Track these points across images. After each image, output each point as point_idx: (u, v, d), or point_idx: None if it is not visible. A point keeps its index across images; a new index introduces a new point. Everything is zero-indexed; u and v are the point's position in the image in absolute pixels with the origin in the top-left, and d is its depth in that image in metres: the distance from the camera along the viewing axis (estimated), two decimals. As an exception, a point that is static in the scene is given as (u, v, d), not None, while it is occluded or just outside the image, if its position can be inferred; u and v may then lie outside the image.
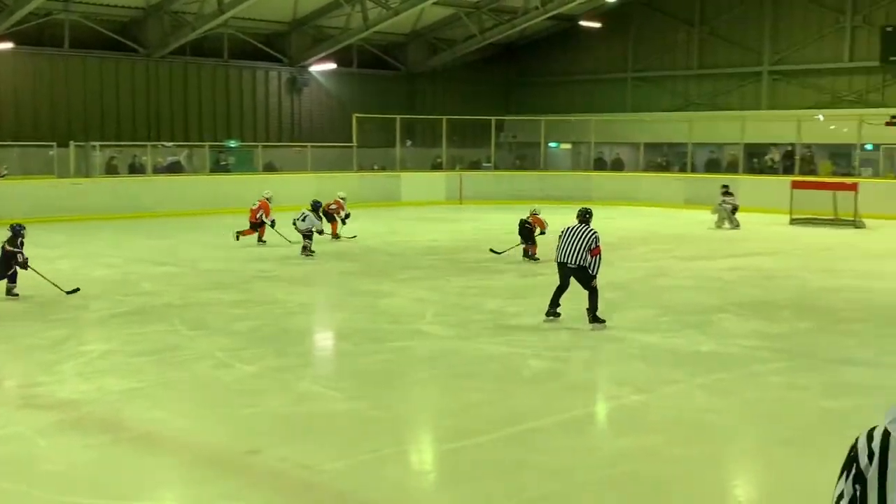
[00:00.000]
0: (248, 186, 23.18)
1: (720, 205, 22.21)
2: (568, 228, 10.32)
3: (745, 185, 26.45)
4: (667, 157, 31.73)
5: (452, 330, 10.34)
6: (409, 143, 32.07)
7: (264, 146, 28.95)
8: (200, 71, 29.20)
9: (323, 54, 30.62)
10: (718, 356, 9.15)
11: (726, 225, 21.88)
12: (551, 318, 10.55)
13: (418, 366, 8.92)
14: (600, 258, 10.14)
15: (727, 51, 32.32)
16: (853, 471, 2.62)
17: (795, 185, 23.38)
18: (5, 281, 11.94)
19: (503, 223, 21.97)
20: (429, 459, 6.48)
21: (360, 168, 29.17)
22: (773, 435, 6.86)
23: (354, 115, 29.31)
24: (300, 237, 16.65)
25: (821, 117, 27.96)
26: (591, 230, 10.17)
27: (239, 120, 30.09)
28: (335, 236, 19.03)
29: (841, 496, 2.63)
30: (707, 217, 22.44)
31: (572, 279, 10.28)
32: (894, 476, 2.58)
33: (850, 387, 8.11)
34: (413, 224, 22.89)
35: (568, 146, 35.40)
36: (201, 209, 24.51)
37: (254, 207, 18.27)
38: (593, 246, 10.06)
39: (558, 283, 10.46)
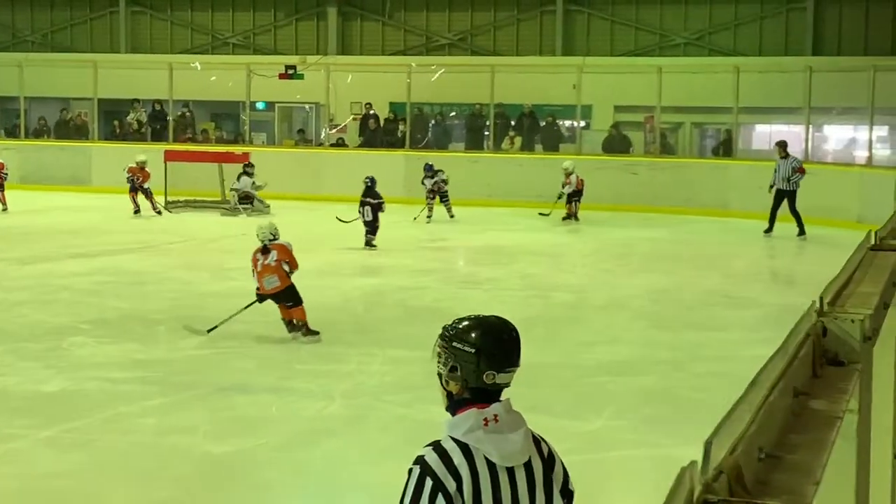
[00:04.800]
0: None
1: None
2: None
3: (101, 155, 26.92)
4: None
5: None
6: None
7: None
8: None
9: None
10: (70, 397, 9.22)
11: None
12: None
13: None
14: None
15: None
16: (439, 501, 2.91)
17: (170, 156, 24.21)
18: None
19: None
20: None
21: None
22: (146, 496, 7.12)
23: None
24: None
25: (197, 65, 29.28)
26: None
27: None
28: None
29: None
30: None
31: None
32: (488, 496, 2.90)
33: (255, 423, 8.65)
34: None
35: None
36: None
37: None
38: None
39: None
